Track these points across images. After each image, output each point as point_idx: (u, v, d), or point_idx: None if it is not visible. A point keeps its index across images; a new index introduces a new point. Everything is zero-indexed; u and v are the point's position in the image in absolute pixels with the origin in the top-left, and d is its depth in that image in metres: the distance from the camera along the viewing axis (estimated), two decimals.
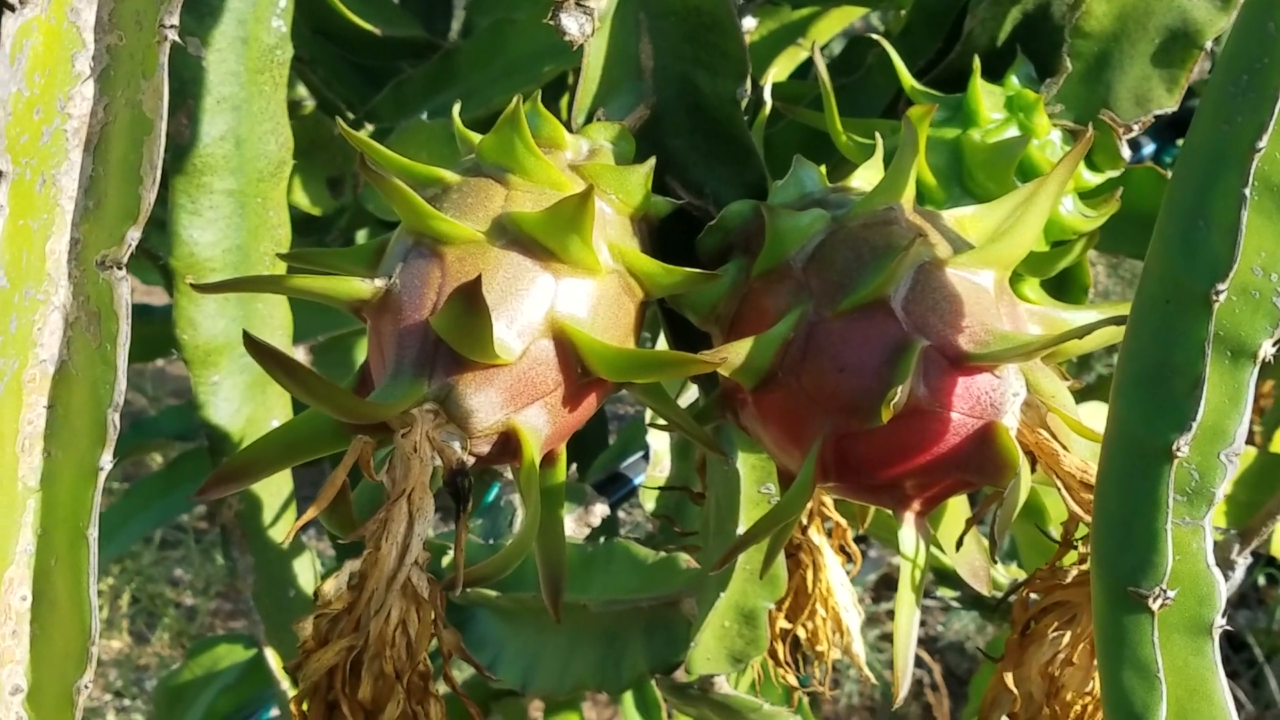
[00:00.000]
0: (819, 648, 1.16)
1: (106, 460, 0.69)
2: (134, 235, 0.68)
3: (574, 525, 1.54)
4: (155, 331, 1.55)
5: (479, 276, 0.77)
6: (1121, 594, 0.71)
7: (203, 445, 1.25)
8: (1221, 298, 0.67)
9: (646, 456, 1.70)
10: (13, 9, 0.66)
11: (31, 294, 0.69)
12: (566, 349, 0.83)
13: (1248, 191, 0.67)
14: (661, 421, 0.93)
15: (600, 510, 1.55)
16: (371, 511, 0.81)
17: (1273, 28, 0.67)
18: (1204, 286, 0.68)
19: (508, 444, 0.83)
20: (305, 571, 1.32)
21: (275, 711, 1.78)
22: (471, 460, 0.82)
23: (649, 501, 1.54)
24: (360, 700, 0.80)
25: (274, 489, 1.27)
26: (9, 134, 0.67)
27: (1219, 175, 0.68)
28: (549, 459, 0.86)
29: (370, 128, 1.54)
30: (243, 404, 1.21)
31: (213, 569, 3.48)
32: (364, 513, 0.83)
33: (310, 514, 0.80)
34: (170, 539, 3.61)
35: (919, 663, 3.40)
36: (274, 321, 1.22)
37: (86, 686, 0.68)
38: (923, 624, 3.53)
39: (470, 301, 0.77)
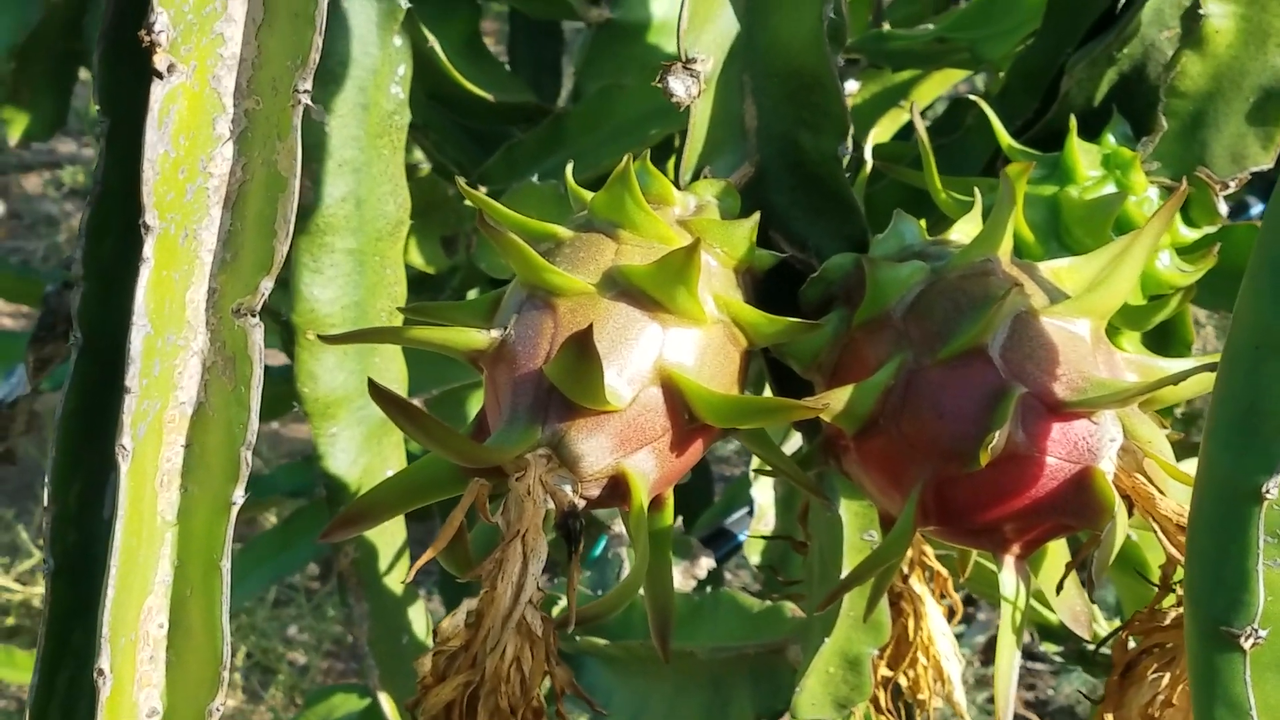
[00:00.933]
0: (920, 695, 1.17)
1: (239, 495, 0.73)
2: (267, 285, 0.73)
3: (680, 578, 1.57)
4: (272, 392, 1.60)
5: (590, 326, 0.80)
6: (1214, 633, 0.72)
7: (319, 498, 1.29)
8: None
9: (751, 512, 1.72)
10: (161, 76, 0.72)
11: (172, 340, 0.74)
12: (674, 396, 0.86)
13: None
14: (767, 468, 0.96)
15: (706, 563, 1.58)
16: (487, 553, 0.84)
17: None
18: None
19: (617, 488, 0.86)
20: (418, 619, 1.36)
21: None
22: (582, 503, 0.85)
23: (754, 555, 1.56)
24: None
25: (388, 538, 1.31)
26: (157, 192, 0.72)
27: None
28: (657, 503, 0.89)
29: (483, 190, 1.59)
30: (359, 455, 1.26)
31: (324, 627, 3.53)
32: (479, 555, 0.86)
33: (429, 554, 0.84)
34: (283, 597, 3.67)
35: None
36: (389, 375, 1.27)
37: (218, 709, 0.72)
38: (1032, 687, 3.50)
39: (583, 350, 0.80)
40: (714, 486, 2.14)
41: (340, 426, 1.25)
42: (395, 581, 1.31)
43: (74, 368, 0.85)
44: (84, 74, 2.08)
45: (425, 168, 1.70)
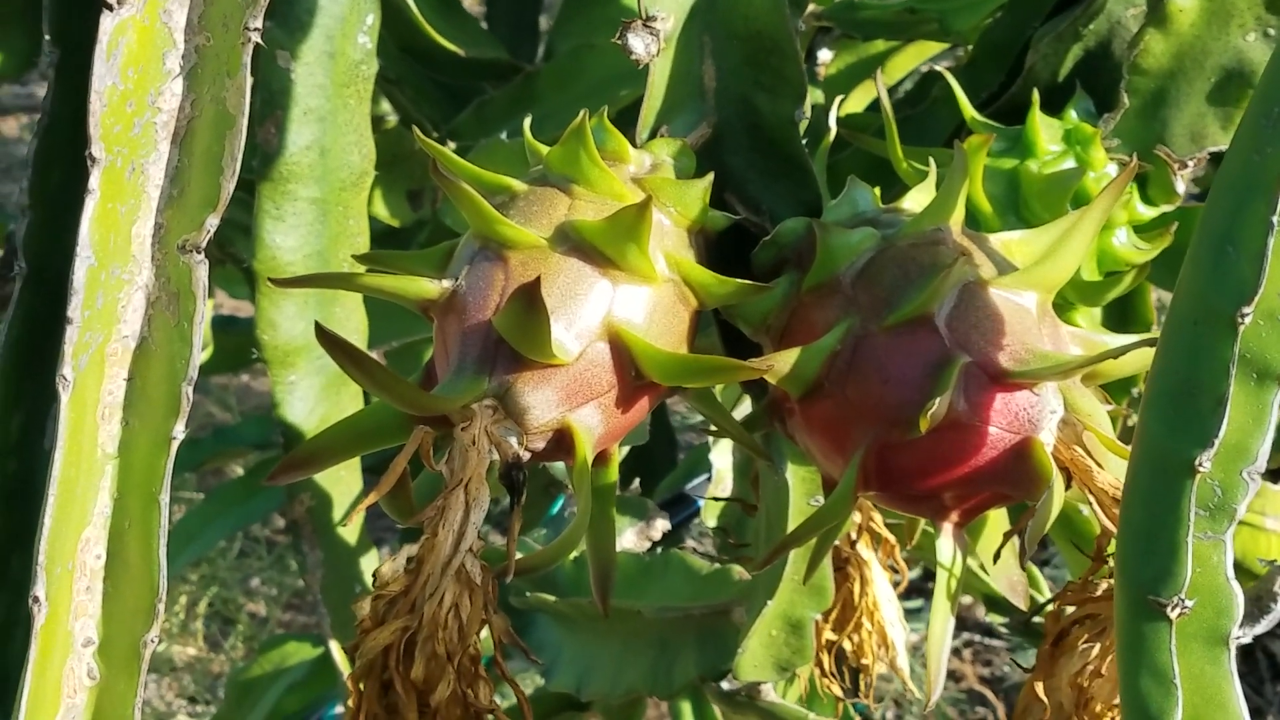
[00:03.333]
0: (864, 660, 1.19)
1: (179, 430, 0.74)
2: (213, 222, 0.73)
3: (635, 538, 1.57)
4: (240, 343, 1.60)
5: (539, 279, 0.81)
6: (1142, 602, 0.73)
7: (279, 445, 1.30)
8: (1247, 320, 0.70)
9: (711, 478, 1.73)
10: (110, 9, 0.72)
11: (117, 273, 0.74)
12: (622, 352, 0.86)
13: (1275, 220, 0.69)
14: (715, 429, 0.96)
15: (661, 525, 1.58)
16: (430, 500, 0.85)
17: None
18: (1230, 309, 0.70)
19: (562, 441, 0.86)
20: (371, 569, 1.36)
21: (340, 709, 1.83)
22: (527, 455, 0.86)
23: (711, 519, 1.57)
24: (413, 679, 0.84)
25: (344, 488, 1.31)
26: (104, 123, 0.72)
27: (1249, 203, 0.71)
28: (602, 458, 0.90)
29: (452, 145, 1.59)
30: (317, 404, 1.26)
31: (286, 579, 3.54)
32: (423, 502, 0.87)
33: (372, 498, 0.85)
34: (246, 549, 3.67)
35: (984, 701, 3.40)
36: (350, 325, 1.27)
37: (153, 641, 0.73)
38: (988, 663, 3.52)
39: (530, 302, 0.81)
40: (677, 450, 2.15)
41: (299, 375, 1.25)
42: (350, 531, 1.31)
43: (17, 297, 0.85)
44: None
45: (392, 120, 1.70)
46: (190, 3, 0.74)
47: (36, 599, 0.72)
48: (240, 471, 3.12)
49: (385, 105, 1.71)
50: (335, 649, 1.31)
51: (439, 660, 0.84)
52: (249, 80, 0.73)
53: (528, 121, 0.98)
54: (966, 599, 3.36)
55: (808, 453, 0.95)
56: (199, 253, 0.73)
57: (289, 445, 1.26)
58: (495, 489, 0.85)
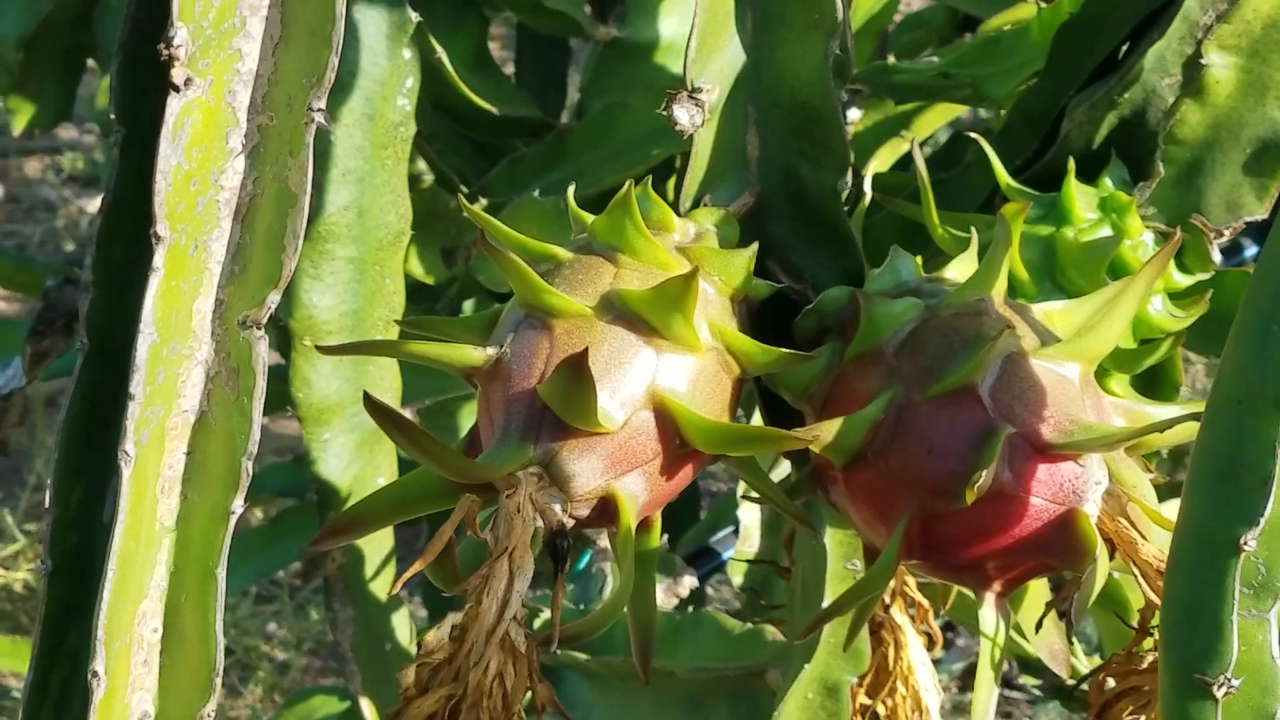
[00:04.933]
0: None
1: (238, 505, 0.74)
2: (274, 298, 0.74)
3: (663, 595, 1.58)
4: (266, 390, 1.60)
5: (586, 348, 0.81)
6: (1188, 680, 0.73)
7: (308, 500, 1.31)
8: None
9: (736, 532, 1.73)
10: (177, 90, 0.73)
11: (178, 349, 0.75)
12: (666, 421, 0.87)
13: None
14: (754, 495, 0.97)
15: (689, 582, 1.59)
16: (474, 568, 0.85)
17: None
18: (1275, 389, 0.70)
19: (606, 509, 0.87)
20: (402, 627, 1.37)
21: None
22: (571, 523, 0.86)
23: (737, 576, 1.57)
24: None
25: (376, 545, 1.32)
26: (169, 203, 0.73)
27: None
28: (644, 525, 0.90)
29: (484, 201, 1.60)
30: (351, 461, 1.27)
31: (306, 625, 3.54)
32: (466, 570, 0.87)
33: (417, 567, 0.85)
34: (265, 594, 3.67)
35: None
36: (384, 384, 1.28)
37: (210, 715, 0.73)
38: (1009, 715, 3.51)
39: (577, 372, 0.81)
40: (700, 503, 2.15)
41: (333, 433, 1.26)
42: (381, 587, 1.32)
43: (79, 373, 0.86)
44: (89, 65, 2.10)
45: (428, 179, 1.72)
46: (255, 84, 0.75)
47: (95, 674, 0.73)
48: (260, 517, 3.12)
49: (421, 164, 1.72)
50: (367, 706, 1.31)
51: None
52: (311, 160, 0.74)
53: (572, 189, 0.98)
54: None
55: (850, 520, 0.95)
56: (259, 328, 0.74)
57: (324, 502, 1.27)
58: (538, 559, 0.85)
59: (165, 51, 0.73)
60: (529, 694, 0.86)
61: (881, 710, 1.19)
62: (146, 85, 0.84)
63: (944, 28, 2.07)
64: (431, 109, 1.64)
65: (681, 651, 1.35)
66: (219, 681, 0.73)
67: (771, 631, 1.31)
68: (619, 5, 1.70)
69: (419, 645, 0.85)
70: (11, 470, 3.99)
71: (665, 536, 1.81)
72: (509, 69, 1.97)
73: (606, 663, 1.36)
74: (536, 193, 1.53)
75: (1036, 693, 1.52)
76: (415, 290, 1.65)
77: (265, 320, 0.75)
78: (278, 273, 0.74)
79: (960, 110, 1.89)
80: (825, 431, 0.88)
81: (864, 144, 1.77)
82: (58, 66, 1.94)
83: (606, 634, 1.40)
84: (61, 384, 2.63)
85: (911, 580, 1.18)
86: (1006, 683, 3.49)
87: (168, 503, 0.75)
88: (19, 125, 1.94)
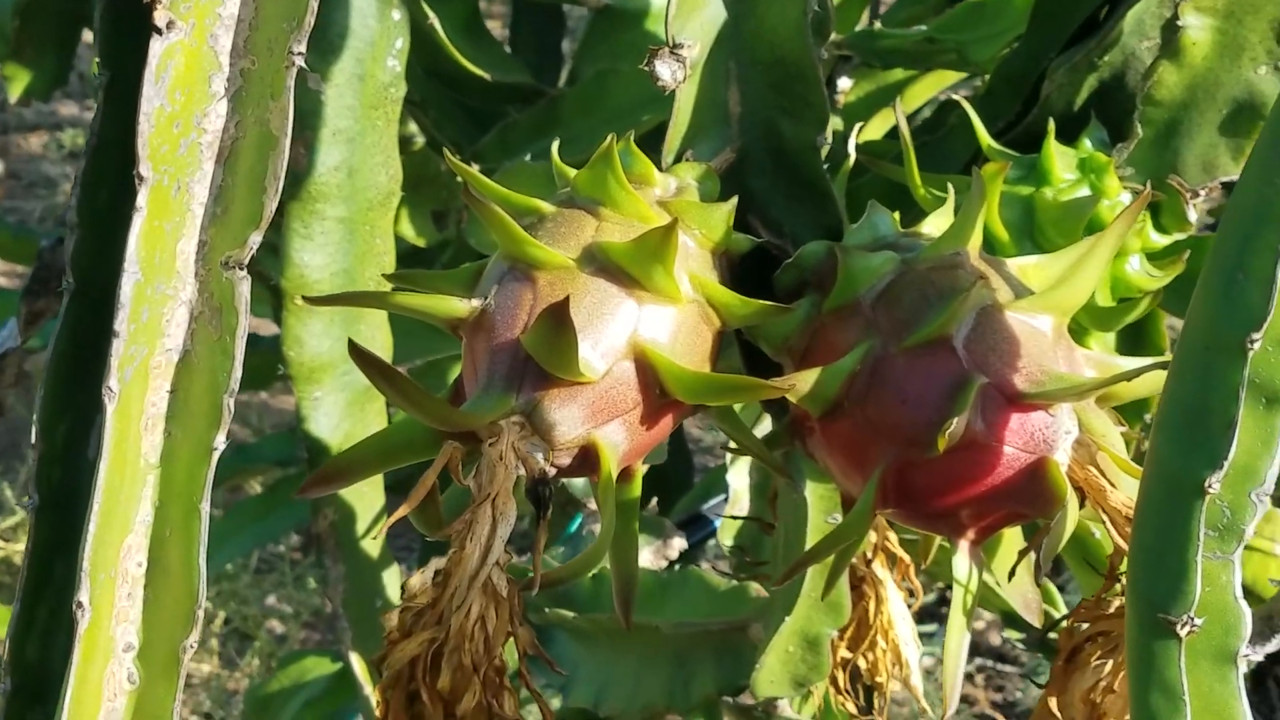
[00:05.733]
0: (879, 678, 1.20)
1: (220, 441, 0.76)
2: (255, 239, 0.76)
3: (652, 557, 1.59)
4: (260, 361, 1.62)
5: (567, 298, 0.83)
6: (1152, 620, 0.75)
7: (302, 462, 1.32)
8: (1256, 346, 0.72)
9: (727, 498, 1.75)
10: (160, 33, 0.74)
11: (162, 289, 0.76)
12: (646, 371, 0.88)
13: None
14: (734, 445, 0.98)
15: (678, 544, 1.60)
16: (457, 515, 0.87)
17: None
18: (1240, 335, 0.72)
19: (587, 457, 0.88)
20: (392, 584, 1.38)
21: None
22: (553, 471, 0.88)
23: (727, 538, 1.58)
24: (439, 690, 0.86)
25: (367, 503, 1.34)
26: (152, 144, 0.75)
27: (1259, 232, 0.73)
28: (626, 474, 0.91)
29: (476, 167, 1.62)
30: (341, 420, 1.28)
31: (304, 597, 3.56)
32: (450, 517, 0.89)
33: (401, 512, 0.87)
34: (264, 566, 3.69)
35: None
36: (375, 343, 1.29)
37: (192, 646, 0.75)
38: (1001, 689, 3.53)
39: (559, 322, 0.83)
40: (694, 473, 2.17)
41: (324, 391, 1.28)
42: (372, 546, 1.33)
43: (64, 312, 0.88)
44: (87, 36, 2.11)
45: (419, 141, 1.73)
46: (236, 28, 0.77)
47: (80, 604, 0.74)
48: (259, 489, 3.14)
49: (412, 127, 1.74)
50: (356, 662, 1.33)
51: (465, 671, 0.86)
52: (292, 102, 0.75)
53: (555, 145, 1.00)
54: (980, 624, 3.37)
55: (827, 471, 0.97)
56: (241, 269, 0.76)
57: (314, 459, 1.28)
58: (521, 504, 0.87)
59: None
60: (510, 638, 0.87)
61: (863, 664, 1.21)
62: (130, 30, 0.86)
63: (940, 5, 2.08)
64: (425, 75, 1.66)
65: (668, 608, 1.37)
66: (201, 614, 0.75)
67: (756, 588, 1.33)
68: None
69: (403, 589, 0.87)
70: (11, 445, 4.01)
71: (656, 501, 1.83)
72: (505, 43, 1.98)
73: (593, 620, 1.38)
74: (528, 158, 1.55)
75: (1032, 663, 1.54)
76: (408, 255, 1.67)
77: (247, 261, 0.76)
78: (259, 214, 0.75)
79: (951, 81, 1.90)
80: (803, 381, 0.90)
81: (856, 115, 1.78)
82: (53, 34, 1.95)
83: (594, 593, 1.43)
84: None
85: (893, 536, 1.20)
86: (998, 655, 3.51)
87: (151, 439, 0.76)
88: (15, 93, 1.95)
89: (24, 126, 5.28)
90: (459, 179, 0.94)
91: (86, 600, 0.74)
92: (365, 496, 1.32)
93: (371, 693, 1.31)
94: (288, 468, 2.26)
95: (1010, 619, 1.42)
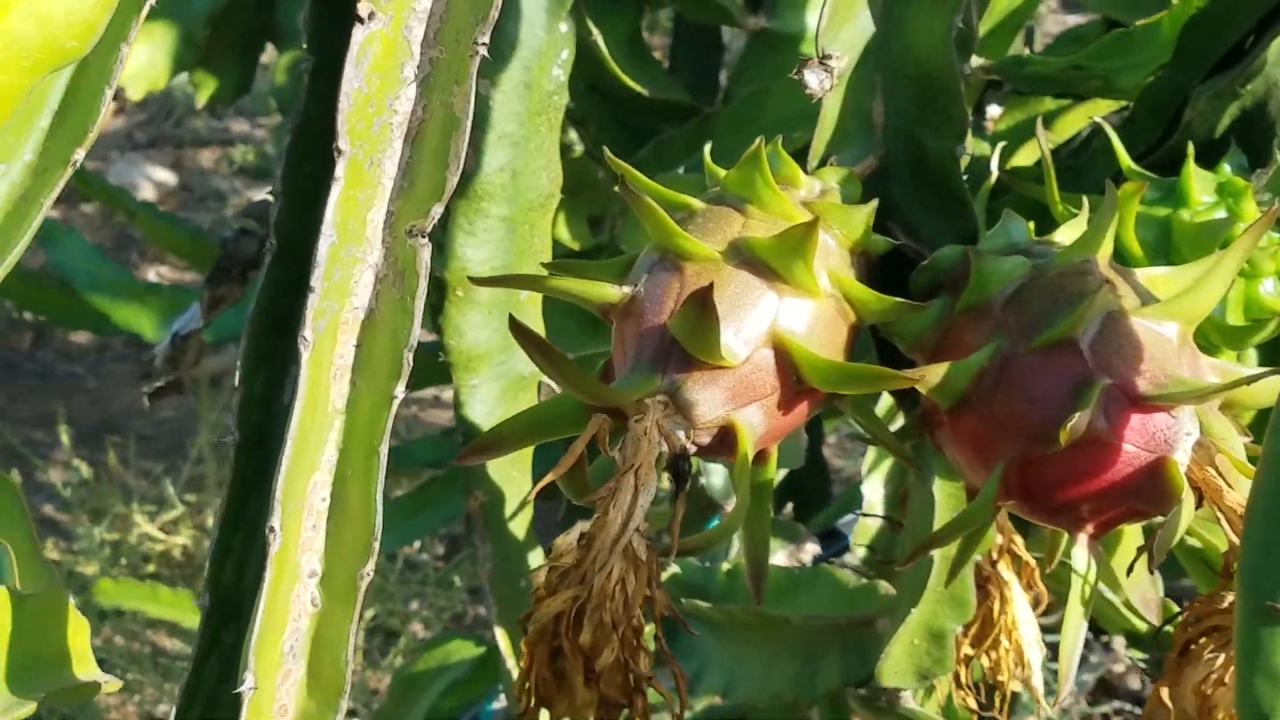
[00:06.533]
0: (1000, 677, 1.24)
1: (400, 390, 0.84)
2: (437, 210, 0.84)
3: (785, 560, 1.65)
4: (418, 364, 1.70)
5: (711, 285, 0.89)
6: (1260, 609, 0.78)
7: (451, 470, 1.39)
8: None
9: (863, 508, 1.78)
10: (362, 22, 0.83)
11: (352, 252, 0.85)
12: (784, 359, 0.93)
13: None
14: (868, 437, 1.03)
15: (811, 549, 1.65)
16: (603, 483, 0.93)
17: None
18: None
19: (726, 438, 0.93)
20: (537, 564, 1.44)
21: (498, 704, 1.92)
22: (693, 448, 0.94)
23: (861, 540, 1.63)
24: (581, 645, 0.91)
25: (515, 488, 1.40)
26: (350, 121, 0.83)
27: None
28: (761, 457, 0.96)
29: None
30: (495, 406, 1.35)
31: (446, 601, 3.64)
32: (596, 484, 0.95)
33: (551, 476, 0.93)
34: (407, 575, 3.77)
35: None
36: None
37: (368, 574, 0.83)
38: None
39: (703, 308, 0.88)
40: (831, 487, 2.21)
41: (481, 379, 1.35)
42: (519, 528, 1.40)
43: (265, 271, 0.97)
44: (267, 55, 2.22)
45: (579, 149, 1.80)
46: (428, 20, 0.85)
47: (273, 529, 0.83)
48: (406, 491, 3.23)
49: (572, 135, 1.81)
50: (501, 636, 1.39)
51: (605, 629, 0.91)
52: (474, 88, 0.83)
53: (708, 148, 1.06)
54: (1119, 666, 3.35)
55: (954, 464, 1.01)
56: (424, 237, 0.84)
57: (467, 441, 1.36)
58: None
59: None
60: (648, 601, 0.93)
61: (985, 662, 1.25)
62: (335, 20, 0.95)
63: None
64: (586, 90, 1.73)
65: (798, 603, 1.41)
66: (377, 546, 0.82)
67: (885, 586, 1.37)
68: None
69: (549, 550, 0.93)
70: (175, 445, 4.16)
71: (791, 507, 1.88)
72: (664, 63, 2.05)
73: (726, 611, 1.43)
74: (680, 171, 1.61)
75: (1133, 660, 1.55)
76: (563, 257, 1.74)
77: (429, 229, 0.84)
78: (441, 188, 0.83)
79: (1101, 111, 1.92)
80: (933, 374, 0.95)
81: (1004, 141, 1.81)
82: (240, 45, 2.06)
83: (728, 586, 1.48)
84: (224, 364, 2.77)
85: (1019, 540, 1.24)
86: (1136, 700, 3.49)
87: (339, 388, 0.84)
88: (202, 98, 2.06)
89: (197, 141, 5.46)
90: (615, 187, 1.01)
91: (278, 525, 0.83)
92: (514, 481, 1.39)
93: (513, 666, 1.38)
94: (437, 469, 2.34)
95: (1133, 638, 1.45)
